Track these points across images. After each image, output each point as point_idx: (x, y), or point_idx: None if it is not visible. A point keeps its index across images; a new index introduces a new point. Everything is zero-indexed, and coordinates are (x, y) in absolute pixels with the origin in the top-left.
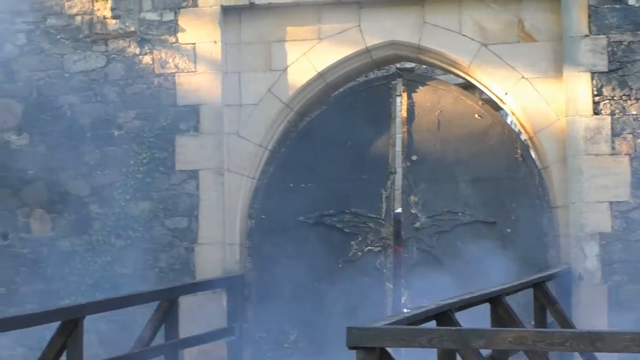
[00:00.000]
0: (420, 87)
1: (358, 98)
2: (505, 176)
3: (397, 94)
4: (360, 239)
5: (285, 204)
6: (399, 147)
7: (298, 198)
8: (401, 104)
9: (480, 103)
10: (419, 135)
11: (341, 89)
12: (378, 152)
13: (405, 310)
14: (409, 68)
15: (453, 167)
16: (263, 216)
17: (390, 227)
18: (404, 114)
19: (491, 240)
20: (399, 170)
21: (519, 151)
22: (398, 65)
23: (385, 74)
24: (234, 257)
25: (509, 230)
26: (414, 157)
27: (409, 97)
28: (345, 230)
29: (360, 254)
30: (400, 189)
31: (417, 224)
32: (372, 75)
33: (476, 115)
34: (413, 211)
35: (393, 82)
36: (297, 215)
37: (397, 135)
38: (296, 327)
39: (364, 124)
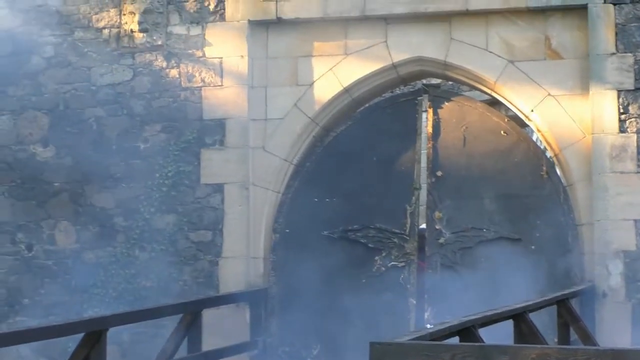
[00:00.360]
0: (446, 103)
1: (384, 113)
2: (531, 193)
3: (423, 109)
4: (384, 254)
5: (310, 219)
6: (424, 163)
7: (322, 213)
8: (427, 119)
9: (506, 120)
10: (445, 151)
11: (367, 105)
12: (403, 168)
13: (428, 325)
14: (435, 84)
15: (478, 183)
16: (287, 230)
17: (415, 242)
18: (430, 129)
19: (515, 256)
20: (424, 186)
21: (544, 168)
22: (424, 81)
23: (411, 89)
24: (257, 271)
25: (533, 247)
26: (439, 173)
27: (435, 113)
28: (370, 245)
29: (384, 269)
30: (424, 205)
31: (442, 240)
32: (398, 91)
33: (502, 132)
34: (437, 227)
35: (419, 98)
36: (322, 229)
37: (422, 151)
38: (319, 341)
39: (390, 139)
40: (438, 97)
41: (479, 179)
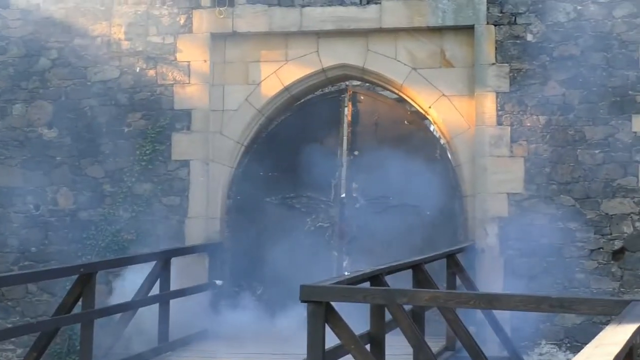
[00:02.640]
0: (363, 99)
1: (315, 107)
2: (427, 170)
3: (345, 104)
4: (313, 216)
5: (256, 188)
6: (345, 145)
7: (266, 184)
8: (348, 112)
9: (409, 113)
10: (361, 136)
11: (302, 100)
12: (329, 149)
13: (346, 273)
14: (355, 85)
15: (386, 161)
16: (239, 197)
17: (337, 208)
18: (350, 119)
19: (414, 220)
20: (345, 163)
21: (438, 151)
22: (347, 82)
23: (337, 89)
24: (215, 229)
25: (428, 212)
26: (356, 153)
27: (354, 107)
28: (302, 209)
29: (313, 228)
30: (345, 178)
31: (357, 206)
32: (326, 90)
33: (406, 122)
34: (354, 195)
35: (342, 96)
36: (265, 197)
37: (344, 136)
38: (262, 284)
39: (319, 127)
40: (357, 94)
41: (387, 158)
